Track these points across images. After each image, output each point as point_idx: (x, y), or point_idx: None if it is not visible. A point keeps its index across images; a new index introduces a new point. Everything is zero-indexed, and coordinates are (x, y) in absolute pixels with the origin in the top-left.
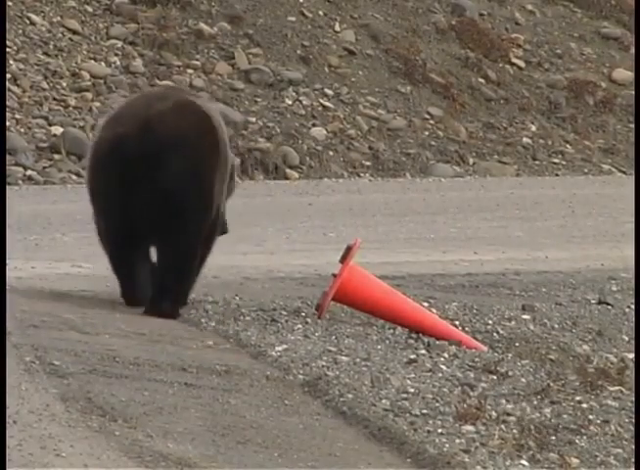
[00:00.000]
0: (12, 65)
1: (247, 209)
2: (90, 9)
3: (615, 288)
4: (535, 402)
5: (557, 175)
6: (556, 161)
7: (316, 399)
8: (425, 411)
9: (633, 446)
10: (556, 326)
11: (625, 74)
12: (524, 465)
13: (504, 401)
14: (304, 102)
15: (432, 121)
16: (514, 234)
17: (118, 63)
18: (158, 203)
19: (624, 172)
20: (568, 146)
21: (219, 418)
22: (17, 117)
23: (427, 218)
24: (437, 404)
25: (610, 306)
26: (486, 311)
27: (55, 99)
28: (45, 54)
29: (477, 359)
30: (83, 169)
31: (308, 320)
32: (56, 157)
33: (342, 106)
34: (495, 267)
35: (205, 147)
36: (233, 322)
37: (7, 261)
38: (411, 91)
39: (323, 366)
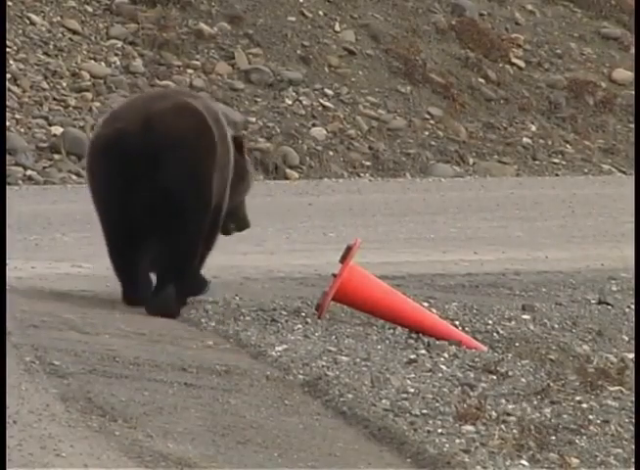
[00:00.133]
0: (12, 65)
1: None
2: (90, 9)
3: (615, 288)
4: (535, 402)
5: (557, 175)
6: (556, 161)
7: (316, 399)
8: (425, 411)
9: (633, 446)
10: (556, 326)
11: (625, 74)
12: (524, 465)
13: (504, 401)
14: (304, 102)
15: (432, 121)
16: (514, 234)
17: (118, 63)
18: (156, 200)
19: (624, 172)
20: (568, 146)
21: (219, 418)
22: (17, 117)
23: (427, 218)
24: (437, 404)
25: (610, 306)
26: (486, 311)
27: (55, 99)
28: (45, 54)
29: (477, 359)
30: (83, 169)
31: (308, 320)
32: (56, 157)
33: (342, 106)
34: (495, 267)
35: (201, 147)
36: (233, 322)
37: (7, 261)
38: (411, 91)
39: (323, 366)
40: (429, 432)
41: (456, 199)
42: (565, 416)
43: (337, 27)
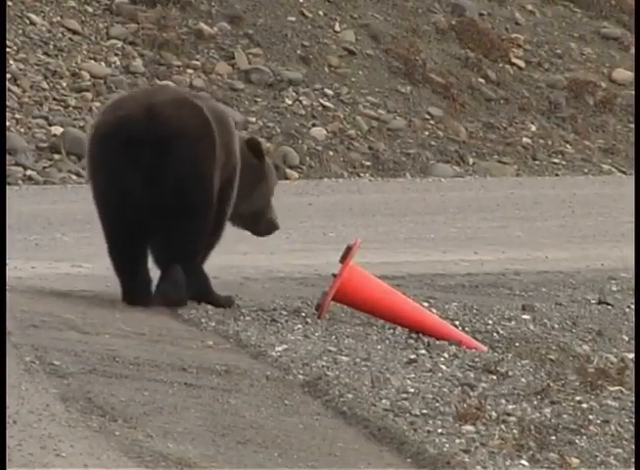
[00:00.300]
0: (12, 65)
1: None
2: (90, 9)
3: (615, 288)
4: (535, 402)
5: (557, 175)
6: (556, 161)
7: (316, 399)
8: (425, 411)
9: (633, 446)
10: (556, 326)
11: (625, 74)
12: (524, 465)
13: (504, 401)
14: (304, 102)
15: (432, 121)
16: (514, 234)
17: (118, 63)
18: (158, 187)
19: (624, 172)
20: (568, 146)
21: (219, 418)
22: (17, 116)
23: (427, 218)
24: (437, 404)
25: (610, 306)
26: (486, 311)
27: (55, 99)
28: (45, 54)
29: (477, 359)
30: (83, 169)
31: (308, 320)
32: (56, 157)
33: (342, 106)
34: (495, 267)
35: (201, 138)
36: (233, 322)
37: (7, 261)
38: (411, 91)
39: (323, 366)
40: (429, 432)
41: (456, 199)
42: (565, 416)
43: (337, 27)
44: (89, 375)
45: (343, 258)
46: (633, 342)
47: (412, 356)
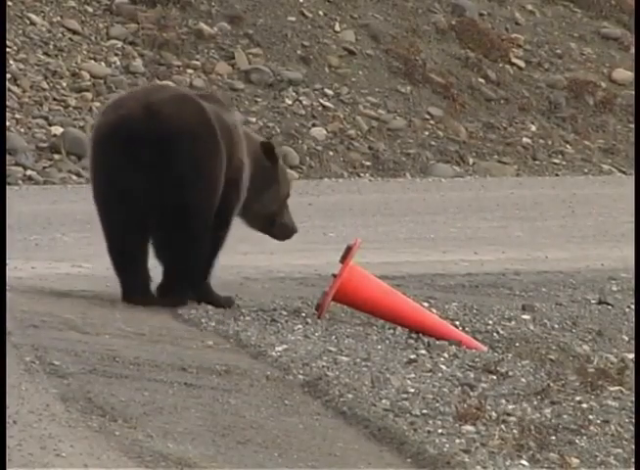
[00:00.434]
0: (12, 65)
1: None
2: (90, 9)
3: (615, 288)
4: (535, 402)
5: (557, 175)
6: (556, 161)
7: (316, 399)
8: (425, 411)
9: (633, 446)
10: (556, 326)
11: (625, 74)
12: (524, 465)
13: (504, 401)
14: (304, 102)
15: (432, 121)
16: (514, 234)
17: (118, 63)
18: (158, 186)
19: (624, 172)
20: (568, 146)
21: (219, 418)
22: (17, 116)
23: (427, 218)
24: (437, 404)
25: (610, 306)
26: (486, 311)
27: (55, 99)
28: (45, 54)
29: (477, 359)
30: (83, 169)
31: (308, 320)
32: (56, 157)
33: (342, 106)
34: (495, 267)
35: (202, 136)
36: (233, 322)
37: (7, 261)
38: (411, 91)
39: (323, 366)
40: (429, 432)
41: (456, 199)
42: (565, 416)
43: (337, 27)
44: (89, 375)
45: (344, 259)
46: (633, 342)
47: (412, 356)
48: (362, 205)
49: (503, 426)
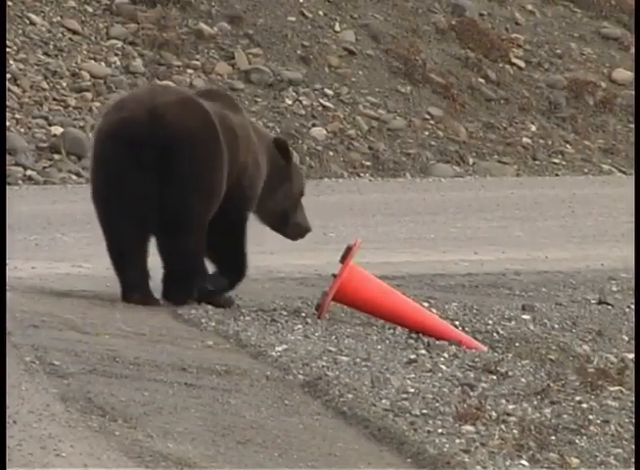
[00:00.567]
0: (12, 65)
1: None
2: (90, 9)
3: (615, 288)
4: (535, 402)
5: (557, 175)
6: (556, 161)
7: (316, 399)
8: (425, 411)
9: (633, 446)
10: (556, 326)
11: (625, 74)
12: (524, 465)
13: (504, 401)
14: (304, 102)
15: (432, 121)
16: (514, 234)
17: (118, 63)
18: (159, 188)
19: (624, 172)
20: (568, 146)
21: (219, 418)
22: (17, 116)
23: (427, 218)
24: (437, 404)
25: (610, 306)
26: (486, 311)
27: (55, 99)
28: (45, 54)
29: (477, 359)
30: (83, 169)
31: (308, 320)
32: (56, 157)
33: (342, 106)
34: (495, 267)
35: (206, 139)
36: (233, 322)
37: (7, 261)
38: (411, 91)
39: (323, 366)
40: (429, 432)
41: (456, 199)
42: (565, 416)
43: (337, 27)
44: (89, 375)
45: (344, 259)
46: (633, 342)
47: (412, 356)
48: (362, 205)
49: (503, 426)
